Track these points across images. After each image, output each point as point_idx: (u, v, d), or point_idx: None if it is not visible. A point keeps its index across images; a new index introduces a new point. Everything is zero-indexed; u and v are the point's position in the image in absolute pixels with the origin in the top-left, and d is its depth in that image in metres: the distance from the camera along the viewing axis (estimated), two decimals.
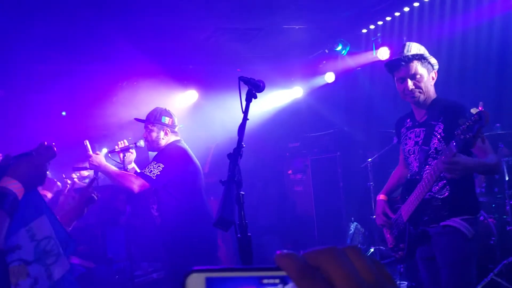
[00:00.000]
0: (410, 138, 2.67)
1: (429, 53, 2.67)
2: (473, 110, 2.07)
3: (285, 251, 0.47)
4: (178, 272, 3.32)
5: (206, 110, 6.69)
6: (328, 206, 6.27)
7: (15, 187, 1.46)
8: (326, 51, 6.44)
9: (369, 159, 5.50)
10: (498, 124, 4.16)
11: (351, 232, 5.68)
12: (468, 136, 2.04)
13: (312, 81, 7.12)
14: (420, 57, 2.57)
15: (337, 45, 6.14)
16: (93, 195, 2.19)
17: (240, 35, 5.90)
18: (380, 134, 5.50)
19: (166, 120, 3.37)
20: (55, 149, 1.61)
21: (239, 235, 1.68)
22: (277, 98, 7.34)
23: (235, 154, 1.78)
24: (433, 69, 2.59)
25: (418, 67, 2.55)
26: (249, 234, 1.69)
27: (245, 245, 1.67)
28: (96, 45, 5.68)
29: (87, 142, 3.16)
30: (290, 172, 7.26)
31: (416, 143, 2.62)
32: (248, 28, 5.72)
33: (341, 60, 6.42)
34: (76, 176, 5.06)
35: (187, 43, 6.04)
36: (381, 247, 5.37)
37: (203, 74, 6.87)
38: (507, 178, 4.06)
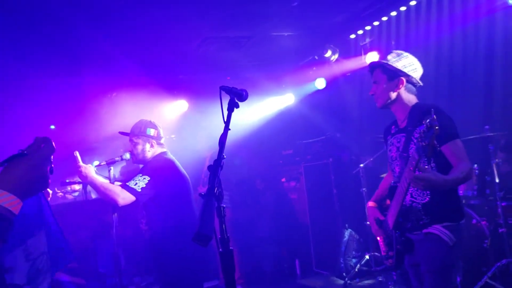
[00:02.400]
0: (393, 144, 2.69)
1: (416, 56, 2.67)
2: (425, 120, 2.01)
3: None
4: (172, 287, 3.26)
5: (196, 120, 6.66)
6: (322, 213, 6.23)
7: (6, 200, 1.13)
8: (316, 57, 6.44)
9: (361, 165, 5.48)
10: (487, 126, 4.14)
11: (345, 239, 5.63)
12: (424, 144, 2.02)
13: (304, 88, 7.12)
14: (380, 65, 2.64)
15: (327, 51, 6.14)
16: None
17: (229, 43, 5.89)
18: (371, 140, 5.49)
19: (151, 132, 3.32)
20: (53, 143, 1.28)
21: (220, 250, 1.64)
22: (269, 105, 7.34)
23: (215, 166, 1.73)
24: (398, 75, 2.59)
25: (378, 74, 2.66)
26: (231, 248, 1.64)
27: (227, 260, 1.63)
28: (85, 57, 5.66)
29: (77, 153, 3.13)
30: (284, 180, 7.23)
31: (398, 149, 2.63)
32: (237, 36, 5.71)
33: (331, 66, 6.42)
34: (61, 193, 5.02)
35: (177, 53, 6.02)
36: (376, 254, 5.33)
37: (193, 83, 6.86)
38: (497, 180, 4.04)
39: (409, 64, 2.60)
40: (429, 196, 2.44)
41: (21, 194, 1.15)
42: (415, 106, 2.60)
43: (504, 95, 4.50)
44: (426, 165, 2.39)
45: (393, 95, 2.61)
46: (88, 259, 4.75)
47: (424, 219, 2.44)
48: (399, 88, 2.59)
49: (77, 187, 6.14)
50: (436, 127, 1.96)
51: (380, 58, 5.34)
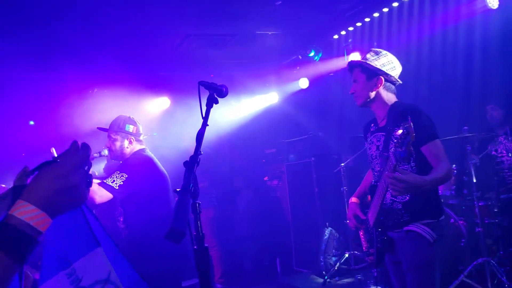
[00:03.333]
0: (372, 142, 2.70)
1: (398, 57, 2.69)
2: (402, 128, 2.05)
3: None
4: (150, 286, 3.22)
5: (179, 117, 6.60)
6: (304, 212, 6.25)
7: (27, 213, 0.92)
8: (300, 57, 6.47)
9: (342, 164, 5.51)
10: (465, 127, 4.21)
11: (326, 237, 5.66)
12: (400, 149, 2.06)
13: (287, 87, 7.13)
14: (359, 64, 2.66)
15: (310, 51, 6.17)
16: None
17: (212, 41, 5.86)
18: (352, 139, 5.53)
19: (130, 128, 3.27)
20: (90, 150, 1.07)
21: (195, 247, 1.62)
22: (253, 104, 7.33)
23: (191, 162, 1.71)
24: (377, 74, 2.60)
25: (358, 73, 2.67)
26: (206, 245, 1.62)
27: (202, 257, 1.61)
28: (66, 52, 5.55)
29: (53, 150, 3.05)
30: (266, 178, 7.23)
31: (377, 147, 2.65)
32: (220, 34, 5.68)
33: (314, 66, 6.45)
34: None
35: (158, 50, 5.96)
36: (356, 252, 5.37)
37: (175, 80, 6.80)
38: (475, 180, 4.10)
39: (388, 63, 2.61)
40: (409, 196, 2.46)
41: (48, 209, 0.95)
42: (394, 105, 2.61)
43: (482, 96, 4.58)
44: (406, 165, 2.42)
45: (372, 94, 2.63)
46: None
47: (404, 216, 2.46)
48: (378, 87, 2.60)
49: None
50: (413, 134, 1.98)
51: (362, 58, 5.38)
